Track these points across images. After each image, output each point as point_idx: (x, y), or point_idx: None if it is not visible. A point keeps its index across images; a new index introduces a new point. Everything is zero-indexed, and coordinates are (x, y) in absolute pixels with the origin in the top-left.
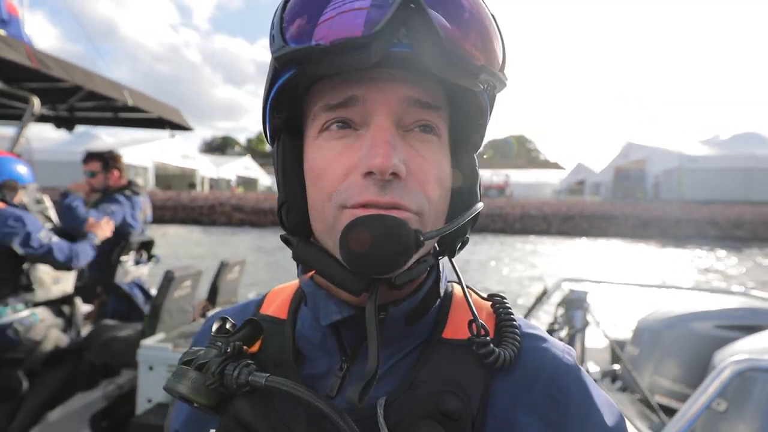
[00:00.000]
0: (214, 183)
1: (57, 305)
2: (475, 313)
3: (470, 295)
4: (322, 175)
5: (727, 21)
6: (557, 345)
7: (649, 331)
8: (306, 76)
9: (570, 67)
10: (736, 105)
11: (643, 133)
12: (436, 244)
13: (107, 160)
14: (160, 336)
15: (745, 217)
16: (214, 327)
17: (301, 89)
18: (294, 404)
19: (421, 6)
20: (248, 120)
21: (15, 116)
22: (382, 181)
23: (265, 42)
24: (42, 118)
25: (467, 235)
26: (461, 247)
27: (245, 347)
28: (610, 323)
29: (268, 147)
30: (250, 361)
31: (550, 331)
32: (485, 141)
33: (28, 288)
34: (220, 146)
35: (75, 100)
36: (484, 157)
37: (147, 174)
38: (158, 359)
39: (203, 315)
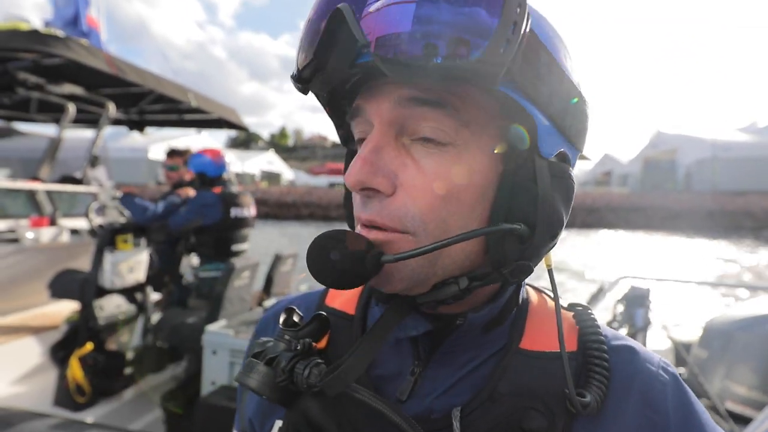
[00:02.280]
0: (239, 177)
1: (131, 293)
2: (568, 366)
3: (551, 306)
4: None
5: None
6: (651, 358)
7: (719, 333)
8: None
9: (597, 50)
10: None
11: (674, 122)
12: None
13: (188, 158)
14: (222, 323)
15: None
16: (281, 319)
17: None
18: (363, 408)
19: (343, 18)
20: (272, 115)
21: (92, 120)
22: (364, 197)
23: (288, 37)
24: (116, 122)
25: (528, 262)
26: (517, 274)
27: (314, 344)
28: (673, 323)
29: (290, 141)
30: (319, 360)
31: None
32: None
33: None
34: (244, 141)
35: (145, 103)
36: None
37: None
38: (221, 344)
39: (259, 304)
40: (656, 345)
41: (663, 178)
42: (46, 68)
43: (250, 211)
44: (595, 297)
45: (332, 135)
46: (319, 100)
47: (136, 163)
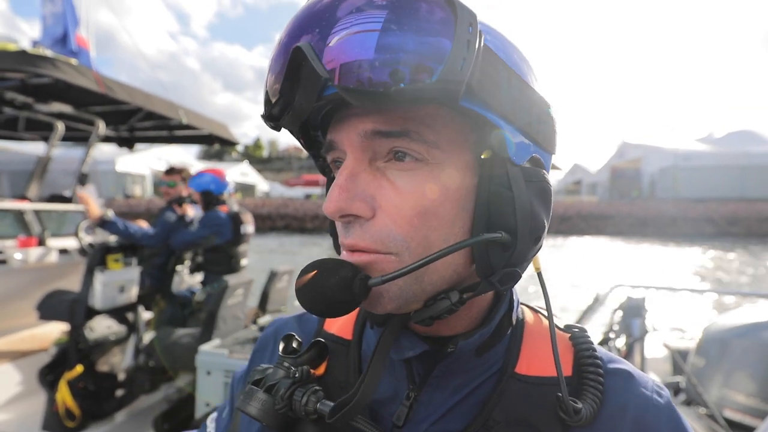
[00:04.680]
0: None
1: (122, 313)
2: (562, 378)
3: (547, 326)
4: None
5: (724, 19)
6: (645, 383)
7: (716, 340)
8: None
9: (564, 67)
10: (733, 103)
11: (638, 132)
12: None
13: (186, 175)
14: (216, 342)
15: (739, 213)
16: (281, 346)
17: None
18: None
19: (304, 56)
20: (247, 126)
21: (82, 138)
22: (345, 223)
23: (262, 49)
24: (106, 139)
25: (515, 268)
26: (506, 281)
27: (312, 370)
28: (670, 331)
29: (265, 153)
30: (317, 387)
31: (606, 340)
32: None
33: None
34: (217, 153)
35: (135, 120)
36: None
37: (145, 182)
38: (215, 365)
39: (254, 322)
40: (654, 353)
41: (629, 187)
42: (34, 87)
43: (252, 227)
44: (591, 307)
45: None
46: (294, 135)
47: (104, 176)
